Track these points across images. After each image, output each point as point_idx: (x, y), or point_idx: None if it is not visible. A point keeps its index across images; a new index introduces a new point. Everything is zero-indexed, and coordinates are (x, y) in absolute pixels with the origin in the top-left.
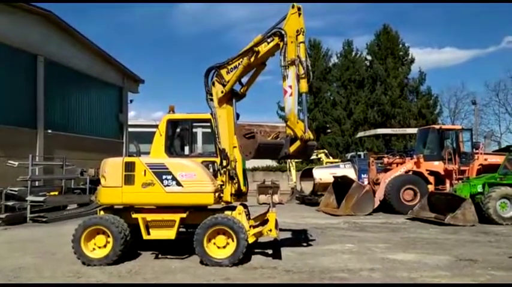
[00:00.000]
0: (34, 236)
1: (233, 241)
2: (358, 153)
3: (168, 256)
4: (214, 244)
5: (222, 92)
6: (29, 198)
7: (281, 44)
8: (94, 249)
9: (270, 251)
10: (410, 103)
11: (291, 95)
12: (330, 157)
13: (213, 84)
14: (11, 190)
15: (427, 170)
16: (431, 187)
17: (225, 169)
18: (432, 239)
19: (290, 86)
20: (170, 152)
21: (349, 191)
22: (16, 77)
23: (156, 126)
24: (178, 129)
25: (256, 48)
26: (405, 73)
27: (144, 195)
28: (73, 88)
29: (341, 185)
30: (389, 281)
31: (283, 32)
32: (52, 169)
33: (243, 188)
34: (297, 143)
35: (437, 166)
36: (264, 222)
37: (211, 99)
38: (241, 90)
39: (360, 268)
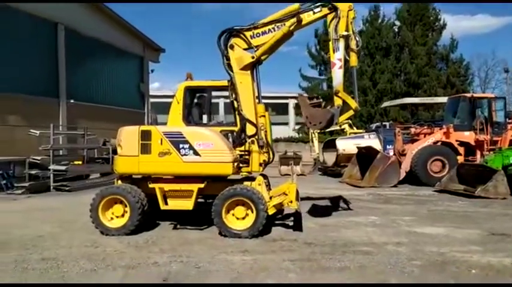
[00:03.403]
0: (55, 205)
1: (252, 212)
2: (383, 123)
3: (187, 227)
4: (233, 215)
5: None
6: (52, 167)
7: (330, 16)
8: (112, 219)
9: (291, 223)
10: (438, 72)
11: (340, 67)
12: (354, 128)
13: (231, 47)
14: (34, 159)
15: (456, 140)
16: (460, 158)
17: (253, 138)
18: (461, 213)
19: (340, 59)
20: (188, 121)
21: (373, 162)
22: (37, 46)
23: (166, 96)
24: (196, 97)
25: (301, 16)
26: (434, 40)
27: (161, 164)
28: (94, 57)
29: (365, 156)
30: (416, 256)
31: (336, 6)
32: (75, 138)
33: (271, 158)
34: (349, 113)
35: (468, 136)
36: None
37: (229, 65)
38: (262, 58)
39: (384, 242)
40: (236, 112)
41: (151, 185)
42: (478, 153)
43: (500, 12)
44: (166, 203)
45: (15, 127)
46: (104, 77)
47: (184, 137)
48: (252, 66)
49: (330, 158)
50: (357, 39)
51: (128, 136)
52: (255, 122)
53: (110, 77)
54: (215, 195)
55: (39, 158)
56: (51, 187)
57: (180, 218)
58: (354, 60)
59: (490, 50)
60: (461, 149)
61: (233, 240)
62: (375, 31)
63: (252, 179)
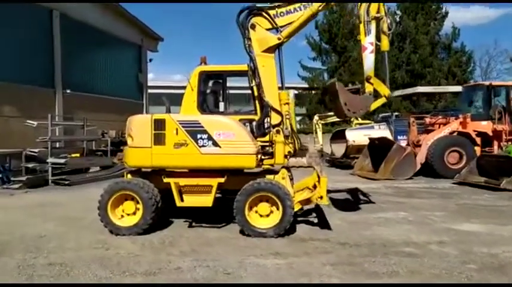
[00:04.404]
0: (56, 200)
1: (278, 209)
2: (395, 113)
3: (203, 225)
4: (256, 212)
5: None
6: (50, 160)
7: None
8: (122, 216)
9: (314, 219)
10: (441, 61)
11: (371, 51)
12: (359, 119)
13: (252, 27)
14: (31, 151)
15: (474, 130)
16: (478, 149)
17: (278, 128)
18: (491, 207)
19: (371, 43)
20: (203, 109)
21: (388, 154)
22: (31, 33)
23: (174, 87)
24: (211, 83)
25: None
26: (436, 29)
27: (177, 157)
28: (90, 46)
29: (377, 148)
30: (468, 258)
31: None
32: (72, 130)
33: (297, 147)
34: (381, 100)
35: (485, 126)
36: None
37: (250, 46)
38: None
39: (426, 241)
40: (256, 100)
41: (166, 180)
42: (495, 144)
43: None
44: (182, 200)
45: (10, 118)
46: (101, 66)
47: (202, 127)
48: (276, 48)
49: (338, 150)
50: (389, 21)
51: (139, 126)
52: (279, 109)
53: (107, 67)
54: (233, 190)
55: (36, 150)
56: (50, 181)
57: (194, 215)
58: (385, 44)
59: (491, 40)
60: (478, 140)
61: (257, 240)
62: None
63: (273, 172)
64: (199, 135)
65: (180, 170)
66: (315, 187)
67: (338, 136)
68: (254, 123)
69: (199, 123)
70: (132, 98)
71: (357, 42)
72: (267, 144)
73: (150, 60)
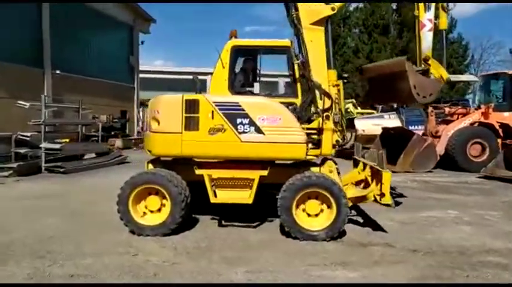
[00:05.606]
0: (53, 191)
1: (330, 207)
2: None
3: (235, 224)
4: (304, 210)
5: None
6: (44, 145)
7: None
8: (145, 214)
9: (358, 218)
10: (438, 52)
11: (430, 29)
12: (358, 108)
13: None
14: (22, 135)
15: (497, 121)
16: (499, 141)
17: (327, 113)
18: None
19: (430, 20)
20: (235, 90)
21: (408, 145)
22: (18, 8)
23: (161, 72)
24: (245, 60)
25: None
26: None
27: (212, 145)
28: (81, 24)
29: (391, 138)
30: None
31: None
32: (61, 113)
33: (347, 136)
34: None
35: (507, 117)
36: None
37: (297, 18)
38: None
39: (506, 248)
40: (298, 81)
41: (198, 172)
42: None
43: None
44: (215, 195)
45: None
46: (92, 47)
47: (243, 110)
48: (326, 21)
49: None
50: None
51: (167, 107)
52: (328, 92)
53: (98, 48)
54: (274, 184)
55: (28, 134)
56: (43, 168)
57: (216, 210)
58: (444, 22)
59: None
60: (500, 131)
61: (306, 243)
62: (374, 8)
63: (311, 163)
64: (239, 120)
65: (213, 160)
66: (361, 182)
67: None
68: (297, 107)
69: (240, 106)
70: (123, 81)
71: (351, 30)
72: (314, 131)
73: (142, 42)
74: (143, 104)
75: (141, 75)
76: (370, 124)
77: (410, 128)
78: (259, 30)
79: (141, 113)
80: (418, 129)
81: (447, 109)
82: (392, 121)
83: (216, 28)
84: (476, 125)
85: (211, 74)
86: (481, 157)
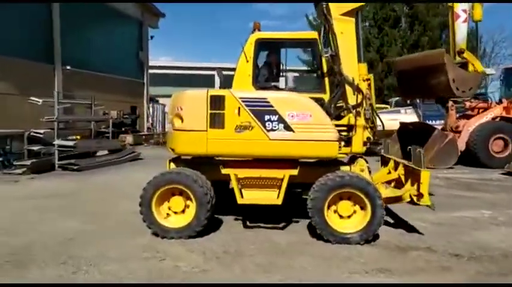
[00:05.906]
0: (68, 189)
1: (364, 208)
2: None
3: (260, 225)
4: (335, 212)
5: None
6: (57, 142)
7: None
8: (168, 215)
9: (389, 219)
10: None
11: (464, 21)
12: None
13: None
14: (35, 133)
15: None
16: None
17: (358, 109)
18: None
19: (465, 10)
20: (259, 85)
21: (428, 141)
22: (28, 4)
23: (165, 67)
24: (270, 54)
25: None
26: (446, 10)
27: (239, 143)
28: (90, 19)
29: (409, 133)
30: None
31: None
32: (71, 110)
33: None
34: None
35: None
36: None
37: (327, 8)
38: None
39: None
40: (326, 75)
41: (225, 171)
42: None
43: None
44: (241, 196)
45: (7, 96)
46: (102, 42)
47: (271, 106)
48: (357, 12)
49: None
50: None
51: (191, 104)
52: (359, 87)
53: (108, 43)
54: (297, 183)
55: (42, 131)
56: (56, 166)
57: (236, 211)
58: (478, 13)
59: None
60: None
61: (338, 247)
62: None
63: (339, 162)
64: (267, 117)
65: (239, 158)
66: (391, 181)
67: None
68: (325, 102)
69: (268, 102)
70: (132, 77)
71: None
72: (344, 128)
73: (152, 37)
74: (152, 99)
75: (150, 71)
76: (387, 119)
77: (427, 123)
78: (265, 26)
79: (150, 109)
80: (436, 124)
81: (468, 103)
82: (408, 116)
83: (220, 24)
84: (498, 119)
85: (214, 69)
86: (503, 153)
